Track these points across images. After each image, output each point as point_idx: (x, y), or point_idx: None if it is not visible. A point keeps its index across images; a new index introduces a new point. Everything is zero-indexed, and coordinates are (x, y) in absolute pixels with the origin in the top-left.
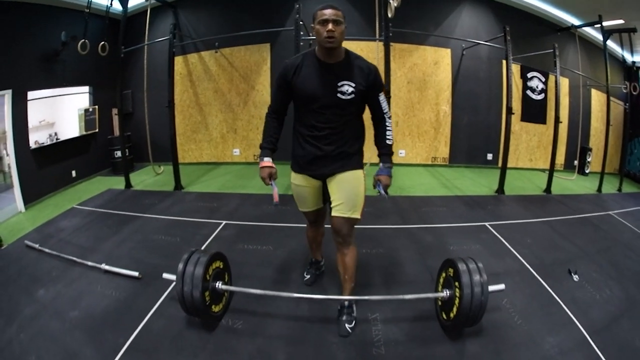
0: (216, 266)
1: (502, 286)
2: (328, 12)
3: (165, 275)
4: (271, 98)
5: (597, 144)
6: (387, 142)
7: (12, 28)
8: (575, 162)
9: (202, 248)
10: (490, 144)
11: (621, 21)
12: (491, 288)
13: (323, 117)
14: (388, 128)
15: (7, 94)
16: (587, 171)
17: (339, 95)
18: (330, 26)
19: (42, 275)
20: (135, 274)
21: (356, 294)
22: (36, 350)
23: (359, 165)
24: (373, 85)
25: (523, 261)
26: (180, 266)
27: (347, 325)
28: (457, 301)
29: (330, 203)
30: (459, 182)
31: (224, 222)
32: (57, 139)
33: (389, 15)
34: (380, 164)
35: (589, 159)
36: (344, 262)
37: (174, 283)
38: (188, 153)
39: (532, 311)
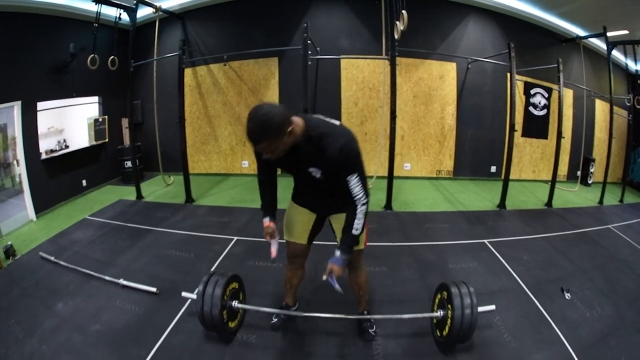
0: (232, 287)
1: (492, 307)
2: (256, 147)
3: (184, 294)
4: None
5: (600, 154)
6: (354, 232)
7: (21, 40)
8: (578, 173)
9: (215, 265)
10: (494, 157)
11: (626, 32)
12: (482, 309)
13: (309, 182)
14: (358, 217)
15: (17, 105)
16: (589, 182)
17: (311, 172)
18: (266, 155)
19: (60, 288)
20: (153, 289)
21: (357, 312)
22: None
23: None
24: (340, 169)
25: (518, 279)
26: (200, 287)
27: (370, 330)
28: (449, 321)
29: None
30: (462, 196)
31: (235, 238)
32: (66, 145)
33: (396, 36)
34: (337, 252)
35: (591, 170)
36: (357, 283)
37: (189, 300)
38: (197, 164)
39: (522, 329)
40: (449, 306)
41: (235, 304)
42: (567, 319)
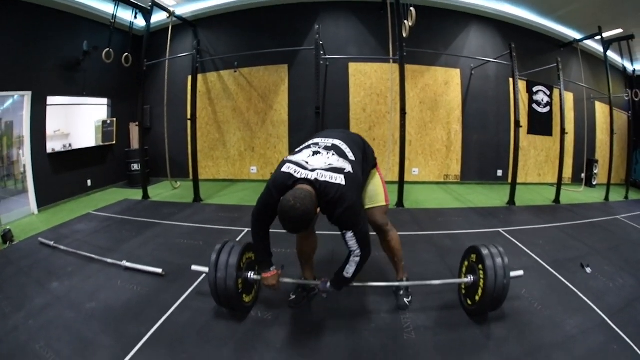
0: (248, 257)
1: (521, 272)
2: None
3: (195, 267)
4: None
5: (603, 156)
6: (345, 274)
7: (34, 32)
8: (583, 175)
9: None
10: (500, 161)
11: (620, 30)
12: (511, 274)
13: None
14: (350, 264)
15: (27, 96)
16: (594, 183)
17: None
18: None
19: (57, 269)
20: (159, 270)
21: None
22: (46, 337)
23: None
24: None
25: (538, 259)
26: (214, 256)
27: (405, 299)
28: (481, 283)
29: None
30: (471, 196)
31: (247, 229)
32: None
33: (404, 34)
34: (328, 283)
35: (595, 171)
36: (390, 247)
37: (199, 280)
38: (205, 170)
39: (550, 299)
40: (480, 267)
41: (251, 275)
42: (592, 289)
